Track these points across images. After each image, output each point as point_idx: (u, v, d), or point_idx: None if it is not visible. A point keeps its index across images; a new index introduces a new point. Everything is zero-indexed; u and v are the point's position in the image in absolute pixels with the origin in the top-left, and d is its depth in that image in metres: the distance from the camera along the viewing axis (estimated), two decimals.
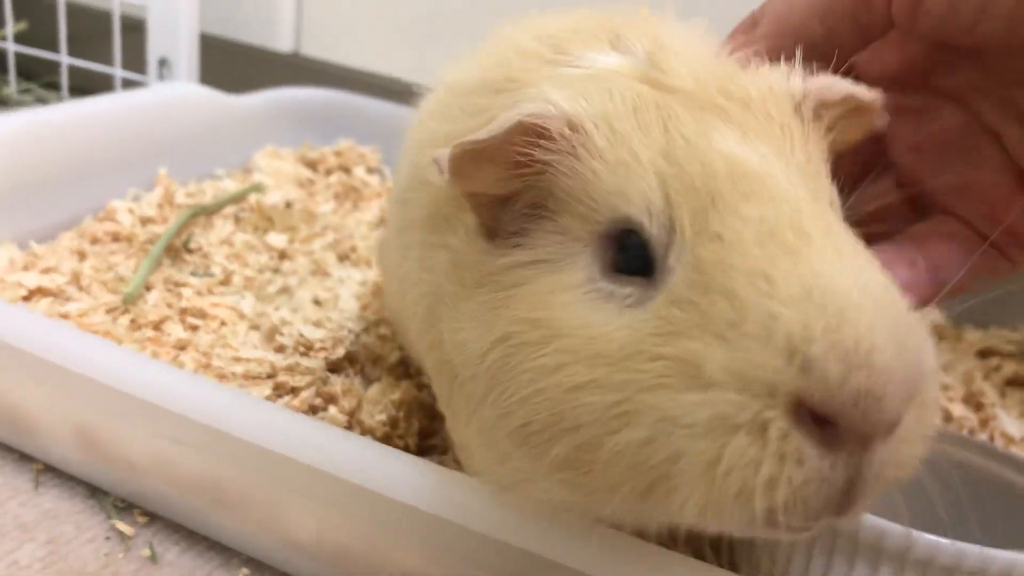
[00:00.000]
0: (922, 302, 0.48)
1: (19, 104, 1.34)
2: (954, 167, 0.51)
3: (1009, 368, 0.82)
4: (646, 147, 0.39)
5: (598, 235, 0.40)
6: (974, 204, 0.50)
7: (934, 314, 0.91)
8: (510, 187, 0.43)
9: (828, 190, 0.42)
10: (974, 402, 0.77)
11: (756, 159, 0.38)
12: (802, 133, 0.42)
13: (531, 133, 0.41)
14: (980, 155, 0.50)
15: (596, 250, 0.40)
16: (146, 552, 0.58)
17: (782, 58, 0.45)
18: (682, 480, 0.35)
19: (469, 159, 0.41)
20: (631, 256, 0.39)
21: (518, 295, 0.41)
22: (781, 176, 0.38)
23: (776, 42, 0.48)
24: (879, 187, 0.54)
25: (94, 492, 0.63)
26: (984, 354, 0.86)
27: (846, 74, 0.50)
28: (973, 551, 0.46)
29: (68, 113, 0.91)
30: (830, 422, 0.33)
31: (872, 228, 0.51)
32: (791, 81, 0.44)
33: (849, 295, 0.33)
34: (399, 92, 1.12)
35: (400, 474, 0.50)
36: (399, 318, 0.66)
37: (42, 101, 1.36)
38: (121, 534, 0.60)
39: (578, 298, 0.39)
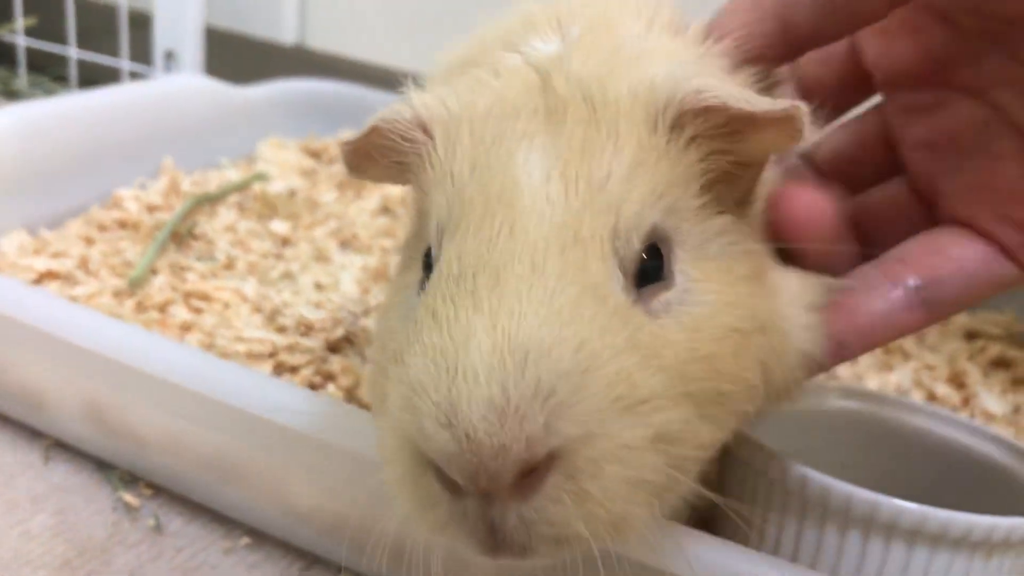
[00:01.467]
0: (914, 325, 0.47)
1: (29, 97, 1.37)
2: (970, 166, 0.48)
3: (994, 350, 0.83)
4: (464, 160, 0.40)
5: (428, 242, 0.42)
6: (990, 206, 0.47)
7: None
8: (401, 179, 0.45)
9: (647, 205, 0.39)
10: (957, 382, 0.79)
11: (534, 183, 0.38)
12: (648, 145, 0.40)
13: (391, 134, 0.43)
14: (1000, 152, 0.47)
15: (420, 270, 0.43)
16: (151, 522, 0.61)
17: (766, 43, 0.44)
18: (398, 446, 0.38)
19: (352, 155, 0.45)
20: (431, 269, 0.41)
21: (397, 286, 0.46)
22: (547, 205, 0.37)
23: (789, 2, 0.45)
24: (888, 191, 0.53)
25: (101, 466, 0.65)
26: (970, 336, 0.87)
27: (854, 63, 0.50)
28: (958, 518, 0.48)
29: (76, 103, 0.94)
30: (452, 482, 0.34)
31: (882, 233, 0.51)
32: (661, 87, 0.40)
33: (478, 354, 0.33)
34: (401, 83, 1.13)
35: None
36: None
37: (51, 94, 1.38)
38: (128, 505, 0.62)
39: (397, 312, 0.43)
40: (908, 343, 0.85)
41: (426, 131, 0.42)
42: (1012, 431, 0.72)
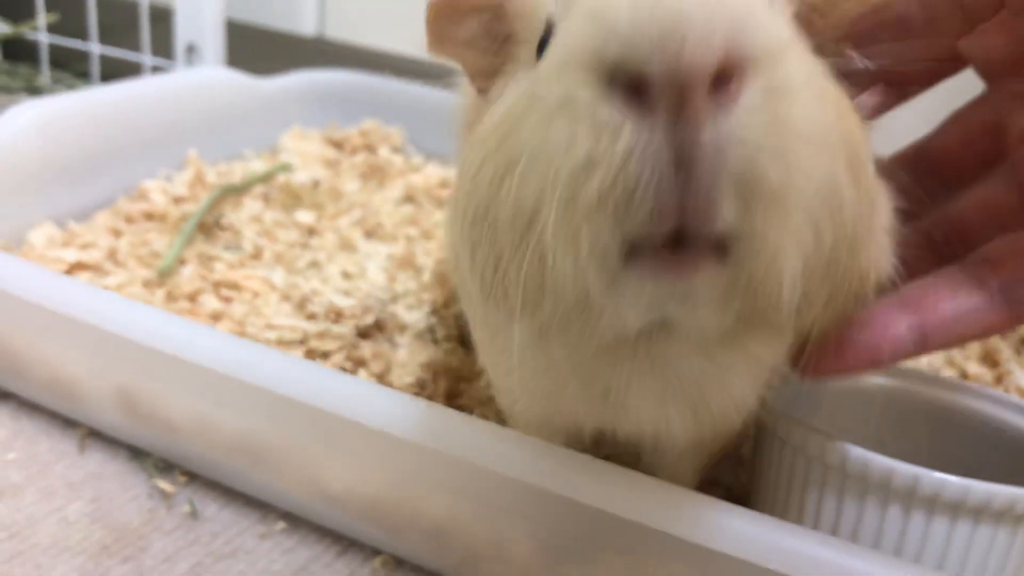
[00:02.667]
0: (998, 325, 0.46)
1: (51, 93, 1.37)
2: None
3: None
4: None
5: (536, 47, 0.40)
6: None
7: None
8: (481, 46, 0.43)
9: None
10: (990, 360, 0.78)
11: None
12: None
13: None
14: None
15: (536, 59, 0.40)
16: (187, 508, 0.61)
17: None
18: (539, 210, 0.33)
19: (439, 15, 0.43)
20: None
21: (480, 132, 0.40)
22: None
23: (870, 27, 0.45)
24: (992, 186, 0.51)
25: (136, 454, 0.66)
26: None
27: (951, 61, 0.47)
28: (978, 486, 0.48)
29: (100, 97, 0.94)
30: (643, 86, 0.29)
31: (980, 233, 0.49)
32: None
33: None
34: (421, 72, 1.14)
35: (427, 422, 0.52)
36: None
37: (73, 89, 1.39)
38: (163, 492, 0.62)
39: (506, 100, 0.39)
40: None
41: None
42: None
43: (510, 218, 0.35)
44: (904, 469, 0.48)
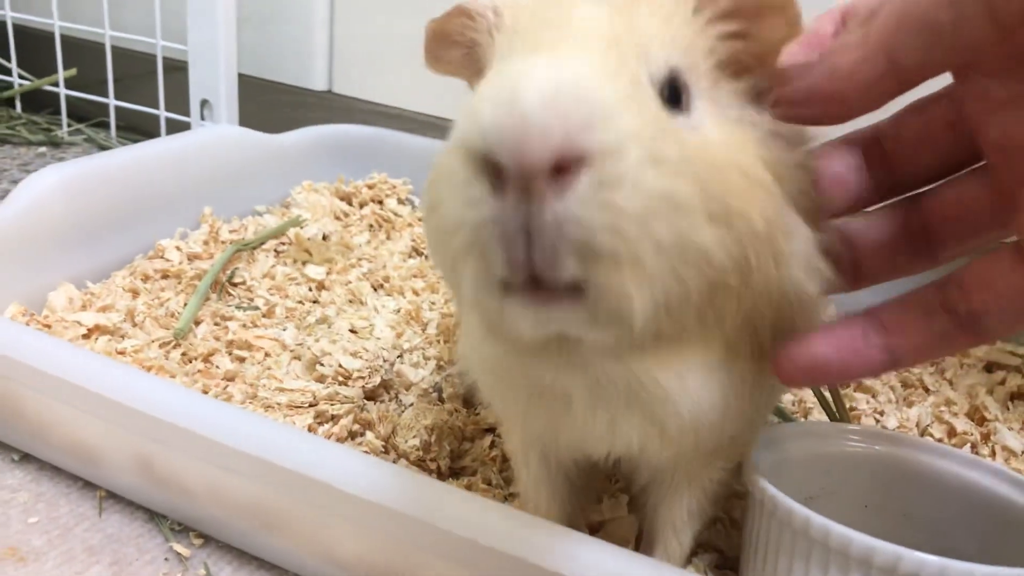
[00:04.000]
0: (966, 345, 0.49)
1: (70, 144, 1.42)
2: None
3: (1014, 381, 0.85)
4: (525, 16, 0.46)
5: None
6: None
7: None
8: (469, 70, 0.50)
9: (672, 52, 0.44)
10: (977, 417, 0.80)
11: (585, 12, 0.44)
12: (676, 11, 0.45)
13: (465, 18, 0.49)
14: None
15: None
16: (202, 572, 0.64)
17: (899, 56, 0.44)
18: (447, 238, 0.40)
19: (434, 38, 0.51)
20: None
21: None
22: (595, 23, 0.43)
23: (895, 38, 0.44)
24: (967, 188, 0.51)
25: (153, 516, 0.69)
26: (990, 368, 0.89)
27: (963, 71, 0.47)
28: (957, 567, 0.49)
29: (118, 159, 0.97)
30: (499, 172, 0.36)
31: (952, 232, 0.51)
32: None
33: (536, 72, 0.36)
34: (426, 126, 1.18)
35: (427, 498, 0.54)
36: None
37: (91, 141, 1.43)
38: (179, 555, 0.65)
39: None
40: (927, 376, 0.86)
41: (496, 12, 0.48)
42: None
43: (437, 243, 0.42)
44: (885, 548, 0.50)
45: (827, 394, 0.74)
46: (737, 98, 0.47)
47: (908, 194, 0.54)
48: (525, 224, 0.36)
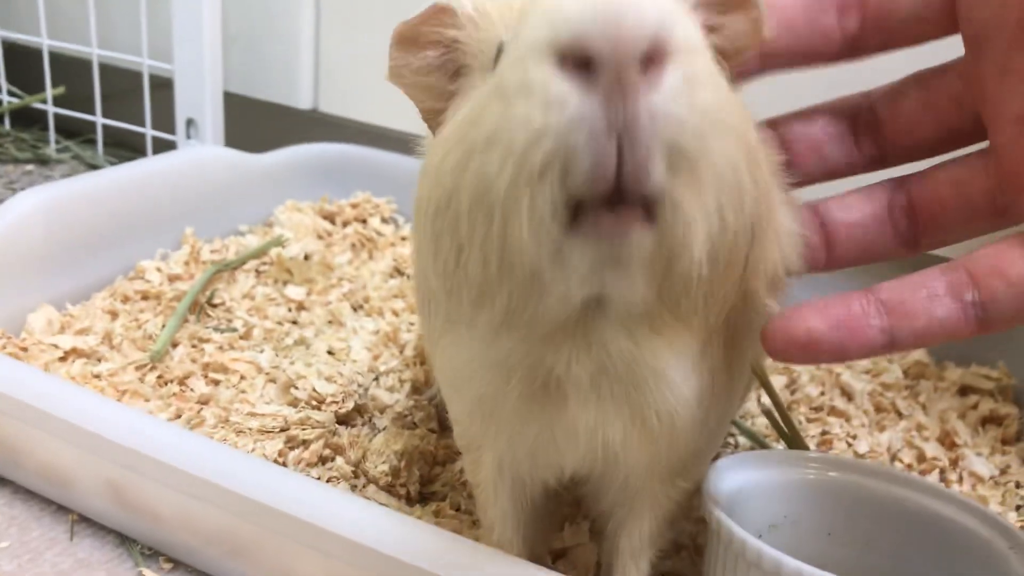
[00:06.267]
0: (968, 333, 0.46)
1: (58, 161, 1.42)
2: None
3: (986, 406, 0.85)
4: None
5: (491, 68, 0.45)
6: None
7: (918, 352, 0.95)
8: (442, 72, 0.49)
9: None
10: (948, 442, 0.81)
11: None
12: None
13: (445, 17, 0.48)
14: None
15: (488, 77, 0.45)
16: None
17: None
18: (496, 183, 0.38)
19: (401, 43, 0.48)
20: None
21: (440, 136, 0.45)
22: None
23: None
24: (968, 168, 0.49)
25: (124, 540, 0.69)
26: (964, 391, 0.89)
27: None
28: None
29: (99, 181, 0.98)
30: (587, 65, 0.34)
31: (951, 216, 0.49)
32: None
33: None
34: (412, 145, 1.18)
35: (392, 530, 0.55)
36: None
37: (79, 158, 1.44)
38: None
39: (476, 100, 0.43)
40: (900, 400, 0.87)
41: (477, 8, 0.48)
42: (999, 493, 0.74)
43: (470, 202, 0.39)
44: None
45: (779, 420, 0.74)
46: None
47: (894, 177, 0.52)
48: (617, 123, 0.35)
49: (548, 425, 0.51)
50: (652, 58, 0.35)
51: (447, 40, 0.49)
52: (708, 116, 0.37)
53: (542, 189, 0.36)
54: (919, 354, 0.95)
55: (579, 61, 0.35)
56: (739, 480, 0.61)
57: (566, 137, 0.35)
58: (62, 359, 0.83)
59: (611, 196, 0.36)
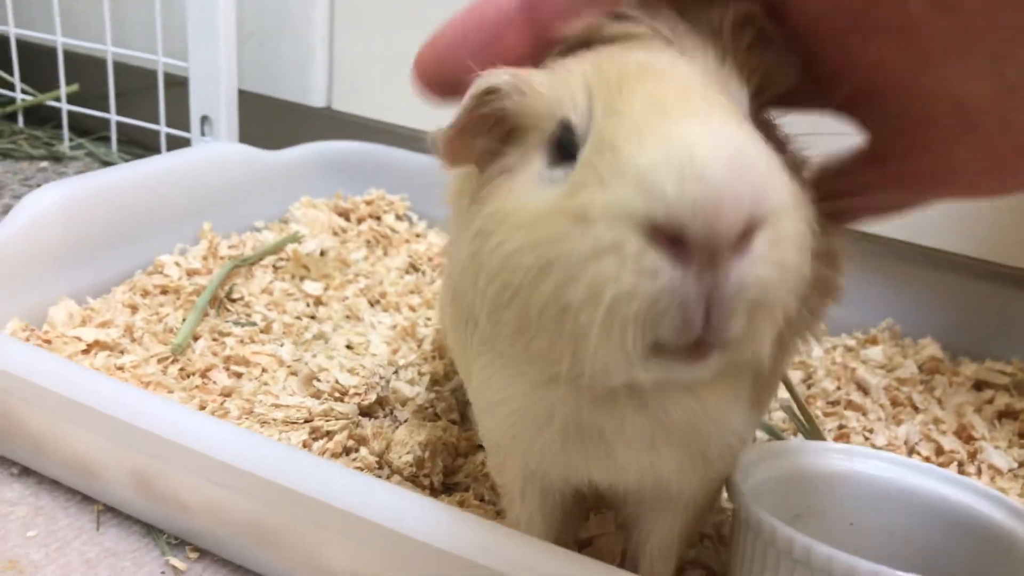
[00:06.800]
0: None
1: (72, 159, 1.43)
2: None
3: (1002, 400, 0.86)
4: (578, 64, 0.45)
5: (547, 139, 0.45)
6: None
7: (932, 348, 0.95)
8: (489, 148, 0.48)
9: (737, 91, 0.44)
10: (965, 435, 0.81)
11: (664, 60, 0.43)
12: (719, 49, 0.45)
13: (486, 96, 0.46)
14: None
15: (545, 150, 0.45)
16: None
17: None
18: (580, 312, 0.39)
19: (455, 140, 0.47)
20: (566, 147, 0.43)
21: (488, 199, 0.46)
22: (682, 69, 0.42)
23: None
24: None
25: (150, 530, 0.70)
26: (979, 386, 0.90)
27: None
28: None
29: (118, 176, 0.98)
30: (681, 241, 0.36)
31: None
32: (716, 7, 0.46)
33: (701, 139, 0.37)
34: (424, 143, 1.19)
35: (421, 516, 0.55)
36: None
37: (93, 155, 1.44)
38: (175, 569, 0.66)
39: (527, 188, 0.44)
40: (916, 395, 0.87)
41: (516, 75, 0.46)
42: (1018, 485, 0.75)
43: (542, 309, 0.41)
44: (866, 567, 0.51)
45: (799, 414, 0.75)
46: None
47: None
48: (705, 290, 0.37)
49: (590, 460, 0.51)
50: (744, 233, 0.37)
51: (497, 111, 0.47)
52: (790, 271, 0.39)
53: (629, 334, 0.38)
54: (934, 349, 0.95)
55: (673, 238, 0.36)
56: (763, 472, 0.61)
57: (656, 302, 0.37)
58: (85, 351, 0.83)
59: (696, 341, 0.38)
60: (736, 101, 0.43)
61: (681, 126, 0.38)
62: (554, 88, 0.45)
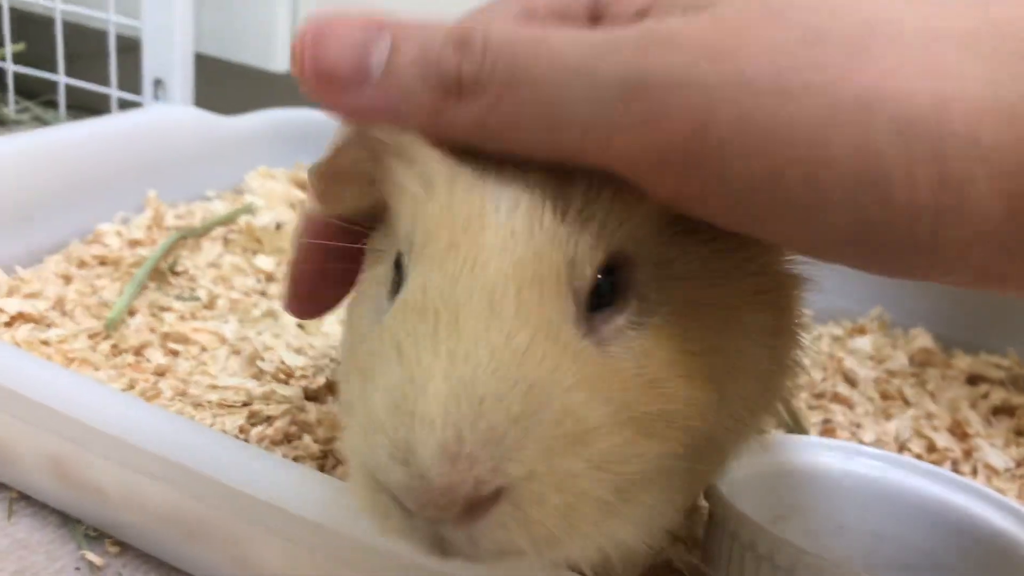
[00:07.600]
0: None
1: (17, 123, 1.36)
2: None
3: (997, 395, 0.81)
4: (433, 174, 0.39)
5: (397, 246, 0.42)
6: None
7: (924, 339, 0.91)
8: (368, 199, 0.44)
9: (583, 255, 0.38)
10: (959, 432, 0.76)
11: (503, 215, 0.38)
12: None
13: (370, 148, 0.42)
14: None
15: (392, 266, 0.43)
16: None
17: None
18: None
19: (324, 180, 0.45)
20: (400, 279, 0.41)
21: (357, 301, 0.47)
22: (511, 240, 0.37)
23: None
24: None
25: (66, 521, 0.63)
26: (973, 380, 0.85)
27: None
28: None
29: (57, 137, 0.93)
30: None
31: None
32: None
33: (431, 403, 0.35)
34: None
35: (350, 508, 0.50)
36: None
37: (40, 120, 1.38)
38: (91, 564, 0.60)
39: (369, 320, 0.43)
40: (908, 388, 0.82)
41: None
42: (1016, 486, 0.70)
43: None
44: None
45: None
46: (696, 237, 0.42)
47: None
48: (439, 537, 0.36)
49: None
50: (473, 506, 0.35)
51: (364, 177, 0.43)
52: (553, 518, 0.36)
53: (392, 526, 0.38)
54: (926, 340, 0.90)
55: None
56: (742, 468, 0.57)
57: (400, 536, 0.38)
58: (7, 324, 0.76)
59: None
60: (564, 283, 0.37)
61: (430, 366, 0.35)
62: (403, 198, 0.40)
